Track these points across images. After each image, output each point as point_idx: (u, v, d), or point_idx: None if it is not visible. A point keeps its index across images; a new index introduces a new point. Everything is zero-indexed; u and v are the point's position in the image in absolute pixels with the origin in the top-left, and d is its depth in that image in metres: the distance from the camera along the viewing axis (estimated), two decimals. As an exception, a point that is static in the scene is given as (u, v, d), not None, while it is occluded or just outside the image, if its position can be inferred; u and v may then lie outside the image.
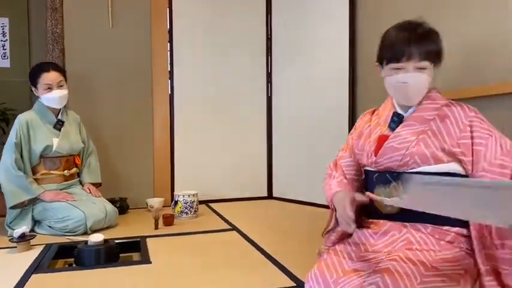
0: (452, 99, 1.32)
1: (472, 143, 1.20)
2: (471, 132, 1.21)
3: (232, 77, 3.34)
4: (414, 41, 1.22)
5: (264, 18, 3.38)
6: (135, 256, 2.07)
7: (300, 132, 3.20)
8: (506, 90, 1.70)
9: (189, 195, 2.67)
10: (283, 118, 3.36)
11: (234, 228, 2.40)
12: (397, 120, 1.30)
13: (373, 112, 1.46)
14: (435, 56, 1.25)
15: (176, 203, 2.68)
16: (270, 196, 3.43)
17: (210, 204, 3.18)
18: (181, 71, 3.19)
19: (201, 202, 3.12)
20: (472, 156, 1.20)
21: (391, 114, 1.34)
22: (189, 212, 2.66)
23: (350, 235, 1.32)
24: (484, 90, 1.81)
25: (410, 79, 1.24)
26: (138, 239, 2.16)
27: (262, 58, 3.41)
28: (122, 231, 2.36)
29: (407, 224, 1.22)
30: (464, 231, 1.20)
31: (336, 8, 2.87)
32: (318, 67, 3.06)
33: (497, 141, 1.19)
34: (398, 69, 1.26)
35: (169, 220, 2.48)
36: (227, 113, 3.34)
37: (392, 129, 1.31)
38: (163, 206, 2.98)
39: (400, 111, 1.33)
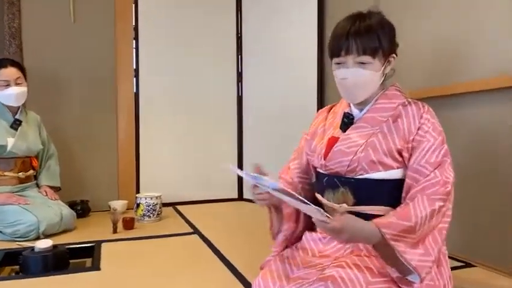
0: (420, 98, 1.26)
1: (412, 147, 1.13)
2: (415, 134, 1.13)
3: (202, 76, 3.25)
4: (352, 34, 1.13)
5: (234, 16, 3.30)
6: (88, 262, 1.96)
7: (270, 131, 3.13)
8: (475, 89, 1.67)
9: (151, 198, 2.57)
10: (254, 117, 3.28)
11: (195, 231, 2.31)
12: (347, 121, 1.22)
13: (330, 109, 1.37)
14: (379, 51, 1.15)
15: (138, 205, 2.58)
16: (240, 198, 3.35)
17: (177, 206, 3.08)
18: (148, 68, 3.09)
19: (167, 204, 3.04)
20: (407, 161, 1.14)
21: (342, 113, 1.26)
22: (151, 215, 2.56)
23: (299, 238, 1.25)
24: (451, 88, 1.77)
25: (349, 75, 1.15)
26: (93, 244, 2.05)
27: (233, 57, 3.33)
28: (78, 236, 2.25)
29: None
30: None
31: (305, 8, 2.83)
32: (288, 67, 3.00)
33: (431, 147, 1.11)
34: (339, 63, 1.18)
35: (129, 224, 2.38)
36: (196, 112, 3.24)
37: (344, 130, 1.22)
38: (128, 209, 2.87)
39: (354, 110, 1.25)
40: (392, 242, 0.98)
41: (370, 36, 1.14)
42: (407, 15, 2.02)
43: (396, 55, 1.21)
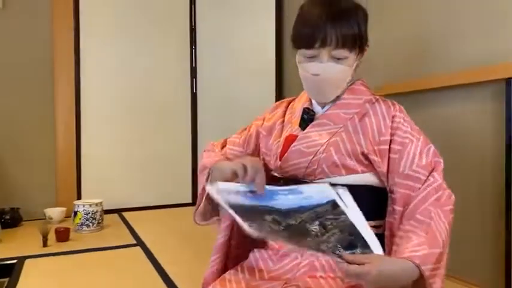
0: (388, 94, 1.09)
1: (389, 150, 0.97)
2: (391, 135, 0.97)
3: (151, 70, 2.99)
4: (330, 21, 0.93)
5: (187, 7, 3.07)
6: (5, 284, 1.68)
7: (228, 129, 2.89)
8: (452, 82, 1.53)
9: (90, 205, 2.29)
10: (210, 116, 3.06)
11: (139, 243, 2.07)
12: (307, 118, 1.04)
13: (289, 104, 1.18)
14: (358, 42, 0.97)
15: (76, 213, 2.29)
16: (194, 202, 3.11)
17: (123, 213, 2.81)
18: (90, 62, 2.80)
19: (112, 211, 2.77)
20: (388, 166, 0.96)
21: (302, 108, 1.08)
22: (90, 224, 2.29)
23: (245, 255, 1.05)
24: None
25: (323, 71, 0.97)
26: (14, 261, 1.77)
27: (186, 50, 3.09)
28: (1, 251, 1.95)
29: None
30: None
31: (262, 2, 2.63)
32: (246, 60, 2.80)
33: (417, 148, 0.96)
34: (310, 57, 0.98)
35: (63, 235, 2.10)
36: (145, 109, 2.98)
37: (303, 128, 1.04)
38: (67, 216, 2.58)
39: (315, 105, 1.07)
40: (430, 280, 0.81)
41: (349, 25, 0.95)
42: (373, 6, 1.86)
43: (368, 46, 1.03)
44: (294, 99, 1.18)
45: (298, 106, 1.11)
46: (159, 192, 3.01)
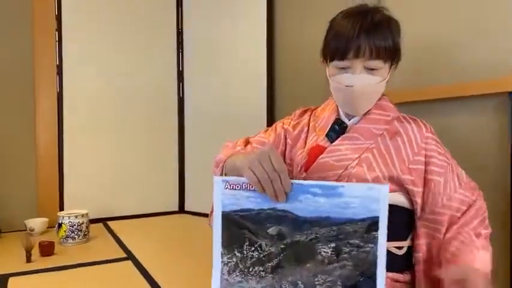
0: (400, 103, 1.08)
1: (426, 171, 0.96)
2: (425, 157, 0.97)
3: (137, 75, 2.90)
4: (364, 32, 0.91)
5: (174, 9, 2.99)
6: (-11, 305, 1.58)
7: (215, 136, 2.85)
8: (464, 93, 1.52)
9: (76, 216, 2.19)
10: (197, 121, 2.99)
11: (129, 256, 1.98)
12: (338, 129, 1.02)
13: (313, 111, 1.15)
14: (392, 53, 0.96)
15: (60, 226, 2.19)
16: (181, 210, 3.04)
17: (108, 222, 2.71)
18: (73, 66, 2.68)
19: (97, 220, 2.67)
20: (424, 187, 0.95)
21: (332, 119, 1.05)
22: (76, 236, 2.19)
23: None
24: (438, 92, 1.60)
25: (357, 82, 0.94)
26: (-3, 280, 1.66)
27: (173, 54, 3.01)
28: (-20, 268, 1.83)
29: None
30: (400, 276, 0.94)
31: (253, 5, 2.58)
32: (235, 65, 2.74)
33: (454, 172, 0.98)
34: (343, 68, 0.96)
35: (47, 249, 1.99)
36: (130, 115, 2.88)
37: (331, 140, 1.02)
38: (50, 227, 2.46)
39: (343, 118, 1.05)
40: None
41: (384, 36, 0.93)
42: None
43: (400, 59, 1.02)
44: (316, 108, 1.16)
45: (324, 115, 1.08)
46: (144, 200, 2.92)
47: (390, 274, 0.92)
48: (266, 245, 0.75)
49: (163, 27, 2.97)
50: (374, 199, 0.71)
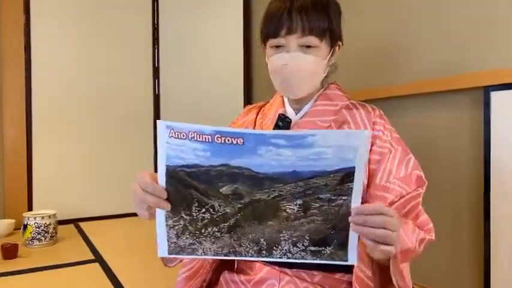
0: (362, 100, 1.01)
1: (369, 160, 0.89)
2: (371, 144, 0.90)
3: (110, 71, 2.81)
4: (296, 9, 0.87)
5: (149, 4, 2.91)
6: None
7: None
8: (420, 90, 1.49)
9: (42, 217, 2.10)
10: (174, 119, 2.87)
11: (97, 259, 1.90)
12: (282, 125, 0.95)
13: (261, 108, 1.09)
14: (329, 32, 0.90)
15: (25, 227, 2.09)
16: (157, 210, 2.95)
17: (80, 223, 2.62)
18: (43, 61, 2.58)
19: (68, 221, 2.58)
20: (368, 178, 0.88)
21: (277, 115, 0.98)
22: (42, 238, 2.09)
23: (215, 280, 0.95)
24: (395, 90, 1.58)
25: (290, 60, 0.89)
26: (-48, 285, 1.57)
27: (148, 50, 2.93)
28: None
29: (288, 270, 0.87)
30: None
31: (230, 2, 2.53)
32: (212, 61, 2.68)
33: (395, 158, 0.89)
34: (277, 47, 0.91)
35: (10, 252, 1.90)
36: (104, 112, 2.79)
37: None
38: (17, 229, 2.36)
39: (289, 111, 0.99)
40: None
41: (318, 12, 0.88)
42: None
43: (342, 43, 0.97)
44: (265, 104, 1.09)
45: (271, 112, 1.02)
46: (119, 200, 2.83)
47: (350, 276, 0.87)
48: (220, 205, 0.64)
49: (139, 22, 2.89)
50: (351, 148, 0.61)
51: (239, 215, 0.65)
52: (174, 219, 0.67)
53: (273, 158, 0.61)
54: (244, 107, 2.43)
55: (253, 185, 0.63)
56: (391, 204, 0.84)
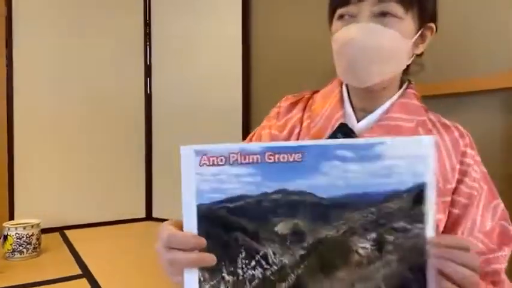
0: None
1: (453, 203, 0.70)
2: (457, 182, 0.70)
3: (99, 69, 2.63)
4: None
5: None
6: None
7: (186, 137, 2.61)
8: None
9: (24, 227, 1.92)
10: (166, 120, 2.75)
11: (85, 273, 1.73)
12: (343, 138, 0.72)
13: (308, 101, 0.84)
14: (417, 3, 0.69)
15: (6, 238, 1.91)
16: (149, 217, 2.79)
17: (66, 232, 2.44)
18: (27, 59, 2.39)
19: (53, 229, 2.41)
20: (449, 224, 0.69)
21: (335, 121, 0.75)
22: (24, 250, 1.92)
23: None
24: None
25: (359, 32, 0.67)
26: None
27: (140, 47, 2.76)
28: None
29: None
30: None
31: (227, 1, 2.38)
32: (208, 61, 2.53)
33: (480, 202, 0.70)
34: (347, 19, 0.70)
35: (-12, 267, 1.73)
36: (92, 113, 2.61)
37: None
38: (-3, 239, 2.18)
39: (349, 114, 0.75)
40: None
41: None
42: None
43: (436, 29, 0.75)
44: (313, 94, 0.85)
45: (324, 111, 0.78)
46: (108, 207, 2.66)
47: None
48: (275, 253, 0.48)
49: (130, 17, 2.72)
50: (420, 158, 0.48)
51: (301, 267, 0.48)
52: (212, 283, 0.49)
53: (340, 176, 0.47)
54: (242, 107, 2.32)
55: (317, 218, 0.47)
56: None
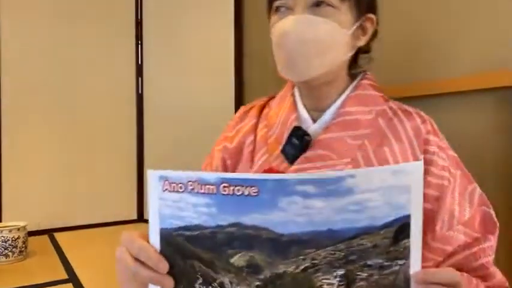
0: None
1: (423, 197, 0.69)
2: (424, 174, 0.65)
3: (89, 67, 2.58)
4: None
5: (132, -4, 2.70)
6: None
7: (178, 137, 2.57)
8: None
9: (10, 230, 1.88)
10: (158, 121, 2.71)
11: (71, 278, 1.69)
12: (298, 143, 0.70)
13: (262, 110, 0.83)
14: None
15: (-9, 241, 1.87)
16: (140, 219, 2.74)
17: (55, 234, 2.39)
18: (13, 56, 2.34)
19: (42, 232, 2.36)
20: (424, 221, 0.68)
21: (289, 125, 0.73)
22: (10, 253, 1.87)
23: None
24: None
25: (294, 25, 0.66)
26: None
27: (131, 46, 2.72)
28: None
29: None
30: None
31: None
32: (200, 61, 2.49)
33: (455, 191, 0.66)
34: (283, 8, 0.69)
35: (-29, 271, 1.68)
36: (82, 112, 2.57)
37: (289, 159, 0.70)
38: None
39: (306, 119, 0.73)
40: None
41: None
42: None
43: (377, 22, 0.75)
44: (268, 102, 0.84)
45: (280, 116, 0.76)
46: (98, 208, 2.61)
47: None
48: (231, 282, 0.46)
49: (121, 16, 2.67)
50: (402, 189, 0.44)
51: None
52: None
53: (300, 213, 0.43)
54: (235, 106, 2.28)
55: (275, 253, 0.44)
56: (450, 256, 0.63)
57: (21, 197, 2.36)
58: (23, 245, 1.92)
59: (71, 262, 1.90)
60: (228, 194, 0.44)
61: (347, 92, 0.74)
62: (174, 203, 0.47)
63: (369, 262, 0.45)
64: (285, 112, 0.77)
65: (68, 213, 2.51)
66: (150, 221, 0.50)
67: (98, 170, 2.62)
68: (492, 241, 0.66)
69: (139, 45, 2.73)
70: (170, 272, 0.49)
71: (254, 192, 0.43)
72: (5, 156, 2.32)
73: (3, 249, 1.85)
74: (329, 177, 0.43)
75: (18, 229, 1.90)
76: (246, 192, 0.44)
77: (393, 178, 0.44)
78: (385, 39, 1.60)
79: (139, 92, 2.75)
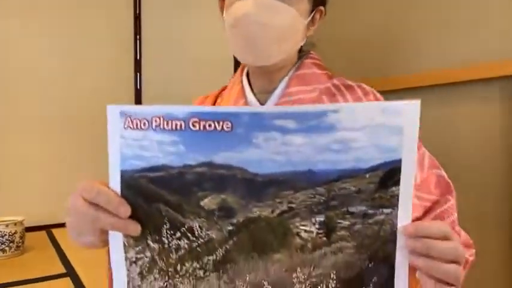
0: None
1: None
2: None
3: (86, 62, 2.57)
4: None
5: (130, -10, 2.68)
6: None
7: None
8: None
9: (7, 225, 1.86)
10: (158, 117, 2.69)
11: (69, 272, 1.68)
12: None
13: (216, 99, 0.86)
14: None
15: (-13, 236, 1.85)
16: (139, 214, 2.73)
17: (53, 230, 2.38)
18: (6, 48, 2.33)
19: (40, 228, 2.34)
20: None
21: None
22: (7, 248, 1.85)
23: None
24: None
25: (255, 8, 0.65)
26: None
27: (129, 40, 2.70)
28: None
29: None
30: None
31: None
32: (201, 56, 2.48)
33: None
34: None
35: (-33, 266, 1.66)
36: (79, 107, 2.55)
37: None
38: (-19, 237, 2.11)
39: (252, 101, 0.75)
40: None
41: None
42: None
43: (325, 12, 0.76)
44: (221, 91, 0.86)
45: (229, 104, 0.78)
46: (96, 204, 2.59)
47: None
48: (201, 227, 0.43)
49: (119, 11, 2.65)
50: (393, 129, 0.40)
51: (230, 242, 0.42)
52: (137, 249, 0.46)
53: (278, 151, 0.39)
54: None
55: (248, 195, 0.40)
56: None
57: (18, 192, 2.35)
58: (20, 240, 1.91)
59: (69, 256, 1.88)
60: (198, 130, 0.41)
61: (290, 73, 0.74)
62: (136, 141, 0.43)
63: (351, 209, 0.42)
64: (233, 98, 0.78)
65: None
66: (110, 162, 0.46)
67: (96, 166, 2.60)
68: (451, 201, 0.65)
69: (138, 40, 2.71)
70: (134, 218, 0.45)
71: (227, 128, 0.40)
72: (1, 150, 2.31)
73: (0, 244, 1.84)
74: (310, 111, 0.39)
75: (15, 224, 1.89)
76: (219, 128, 0.40)
77: (382, 117, 0.40)
78: (375, 32, 1.59)
79: (138, 87, 2.73)
